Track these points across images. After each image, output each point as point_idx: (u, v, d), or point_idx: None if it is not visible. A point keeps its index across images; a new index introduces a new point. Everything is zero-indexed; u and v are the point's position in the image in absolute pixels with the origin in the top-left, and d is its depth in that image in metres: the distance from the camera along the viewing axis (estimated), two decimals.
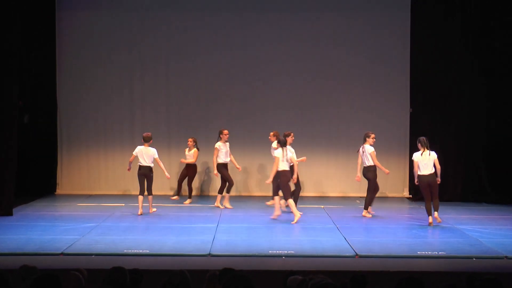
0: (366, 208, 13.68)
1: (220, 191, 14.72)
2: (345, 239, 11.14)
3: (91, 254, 9.88)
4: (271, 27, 16.70)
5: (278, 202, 13.25)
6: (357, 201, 16.02)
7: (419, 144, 12.88)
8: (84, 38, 16.69)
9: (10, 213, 13.10)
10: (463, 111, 16.10)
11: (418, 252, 10.22)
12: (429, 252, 10.22)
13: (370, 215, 13.61)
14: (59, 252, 9.97)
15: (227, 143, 14.72)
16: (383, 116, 16.64)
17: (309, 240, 11.21)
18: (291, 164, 13.05)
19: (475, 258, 9.99)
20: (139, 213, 13.58)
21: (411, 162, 15.89)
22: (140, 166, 13.60)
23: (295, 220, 12.67)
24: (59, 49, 16.59)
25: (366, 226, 12.68)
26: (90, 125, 16.82)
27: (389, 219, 13.52)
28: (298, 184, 13.85)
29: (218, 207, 14.53)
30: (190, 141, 15.17)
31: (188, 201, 15.27)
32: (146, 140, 13.63)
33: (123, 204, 14.96)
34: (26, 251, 9.98)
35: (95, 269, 7.89)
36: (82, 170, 16.88)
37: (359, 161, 13.72)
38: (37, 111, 16.36)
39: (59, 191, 16.76)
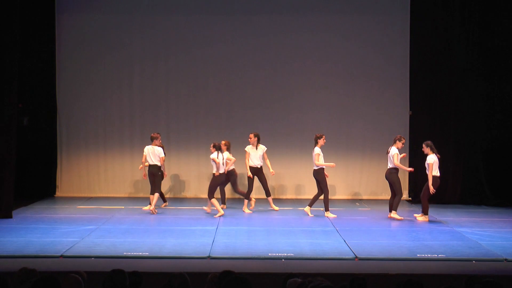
0: (395, 209, 13.60)
1: (267, 194, 14.67)
2: (345, 241, 11.13)
3: (90, 257, 9.86)
4: (271, 27, 16.71)
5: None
6: (357, 203, 16.03)
7: (428, 148, 13.10)
8: (83, 39, 16.71)
9: (9, 216, 13.08)
10: (463, 112, 16.09)
11: (418, 255, 10.21)
12: (429, 255, 10.20)
13: (400, 218, 13.53)
14: (59, 254, 9.95)
15: (260, 147, 14.58)
16: (382, 117, 16.65)
17: (308, 242, 11.20)
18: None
19: (475, 260, 9.97)
20: (154, 212, 13.90)
21: (411, 164, 15.95)
22: (149, 165, 14.09)
23: (217, 215, 13.61)
24: (59, 50, 16.61)
25: (365, 229, 12.66)
26: (89, 127, 16.83)
27: (389, 221, 13.52)
28: (326, 187, 13.89)
29: (274, 209, 14.61)
30: None
31: (148, 206, 14.46)
32: (151, 140, 14.09)
33: (123, 207, 14.97)
34: (26, 253, 9.96)
35: (95, 272, 7.89)
36: (82, 172, 16.88)
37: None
38: (37, 113, 16.37)
39: (58, 193, 16.76)
